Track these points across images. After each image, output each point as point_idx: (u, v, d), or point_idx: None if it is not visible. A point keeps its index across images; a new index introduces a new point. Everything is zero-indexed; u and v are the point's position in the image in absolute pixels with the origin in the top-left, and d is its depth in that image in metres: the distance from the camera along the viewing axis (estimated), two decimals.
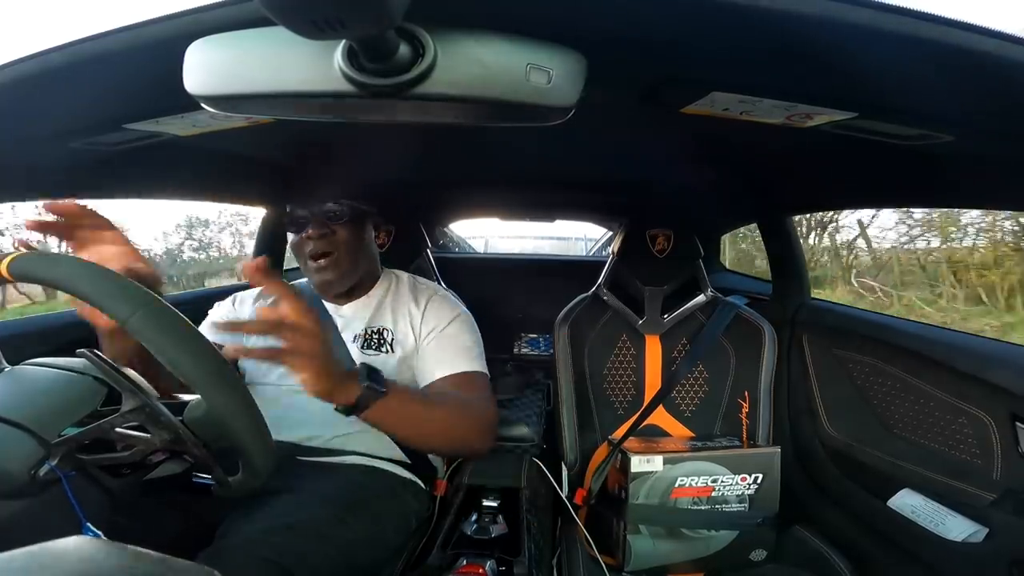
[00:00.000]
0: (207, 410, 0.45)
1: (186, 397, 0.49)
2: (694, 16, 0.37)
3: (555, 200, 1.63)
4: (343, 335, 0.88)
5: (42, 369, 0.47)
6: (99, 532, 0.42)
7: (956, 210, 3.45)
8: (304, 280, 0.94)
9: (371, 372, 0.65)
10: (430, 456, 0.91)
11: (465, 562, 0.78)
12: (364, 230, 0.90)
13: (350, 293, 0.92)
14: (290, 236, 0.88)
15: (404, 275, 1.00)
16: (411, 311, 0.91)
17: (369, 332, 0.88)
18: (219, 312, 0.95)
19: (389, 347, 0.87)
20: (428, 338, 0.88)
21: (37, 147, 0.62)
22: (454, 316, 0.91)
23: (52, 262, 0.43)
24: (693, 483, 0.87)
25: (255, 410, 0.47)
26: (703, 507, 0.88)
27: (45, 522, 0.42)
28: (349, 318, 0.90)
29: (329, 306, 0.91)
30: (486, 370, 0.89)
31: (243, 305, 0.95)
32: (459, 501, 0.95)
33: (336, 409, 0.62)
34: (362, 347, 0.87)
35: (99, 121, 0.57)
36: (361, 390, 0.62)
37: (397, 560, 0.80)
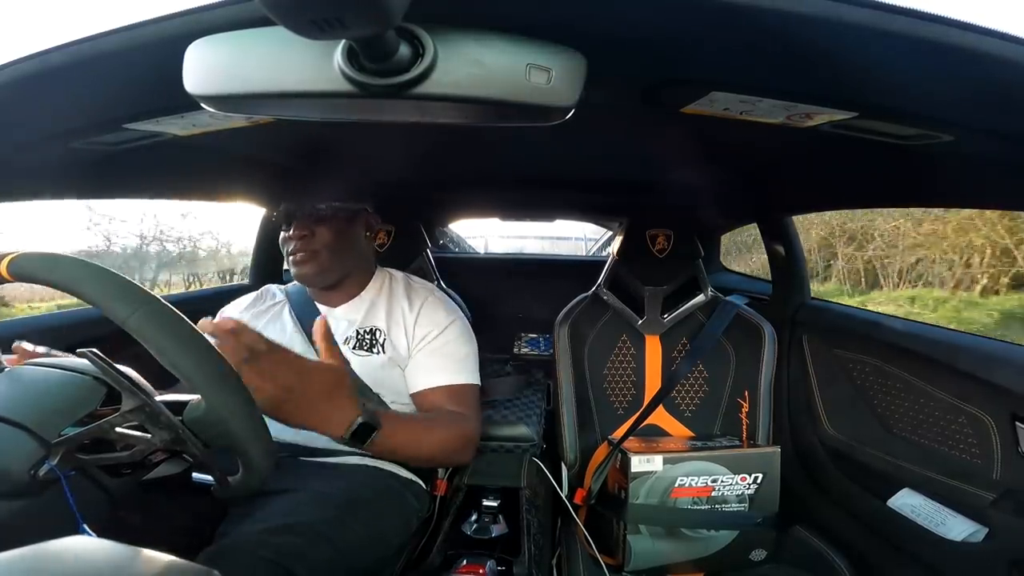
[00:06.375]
0: (207, 410, 0.45)
1: (186, 397, 0.49)
2: (694, 16, 0.37)
3: (555, 200, 1.63)
4: (336, 336, 0.87)
5: (42, 369, 0.47)
6: (92, 533, 0.42)
7: None
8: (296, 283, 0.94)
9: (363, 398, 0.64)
10: None
11: (465, 562, 0.78)
12: (350, 230, 0.89)
13: (338, 292, 0.91)
14: (282, 232, 0.88)
15: (399, 274, 0.98)
16: (404, 313, 0.89)
17: (361, 333, 0.87)
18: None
19: (381, 347, 0.87)
20: (420, 345, 0.86)
21: (37, 147, 0.61)
22: (448, 323, 0.89)
23: (51, 262, 0.43)
24: (693, 483, 0.87)
25: (255, 410, 0.47)
26: (703, 507, 0.87)
27: (45, 522, 0.42)
28: (340, 319, 0.89)
29: (322, 308, 0.91)
30: (478, 380, 0.88)
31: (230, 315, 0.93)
32: (459, 501, 0.95)
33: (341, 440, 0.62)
34: (354, 348, 0.86)
35: (99, 121, 0.56)
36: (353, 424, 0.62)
37: (397, 560, 0.80)
